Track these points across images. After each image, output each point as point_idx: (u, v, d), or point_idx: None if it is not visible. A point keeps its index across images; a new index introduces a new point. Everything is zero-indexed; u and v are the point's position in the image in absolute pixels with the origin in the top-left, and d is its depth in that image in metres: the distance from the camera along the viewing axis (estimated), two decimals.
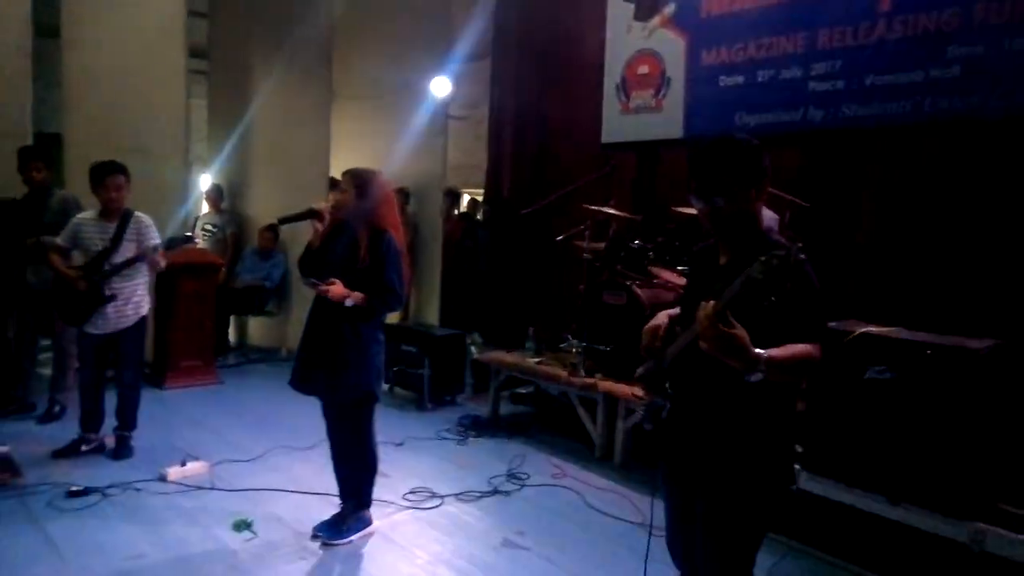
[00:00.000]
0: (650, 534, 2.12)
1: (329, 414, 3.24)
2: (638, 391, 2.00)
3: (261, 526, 3.31)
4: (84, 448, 4.10)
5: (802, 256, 1.52)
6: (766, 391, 1.72)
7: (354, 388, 3.06)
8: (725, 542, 1.87)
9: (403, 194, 6.86)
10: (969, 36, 4.09)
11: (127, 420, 4.17)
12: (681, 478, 1.98)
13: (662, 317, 2.00)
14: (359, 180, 3.08)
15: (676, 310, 2.03)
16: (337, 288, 2.96)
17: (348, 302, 2.97)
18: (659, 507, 2.17)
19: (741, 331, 1.60)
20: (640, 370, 2.00)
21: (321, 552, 3.13)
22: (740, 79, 5.22)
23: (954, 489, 2.87)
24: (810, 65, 4.82)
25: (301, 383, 3.15)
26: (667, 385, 1.90)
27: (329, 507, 3.47)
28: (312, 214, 3.14)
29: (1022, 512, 2.89)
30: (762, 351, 1.61)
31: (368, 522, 3.30)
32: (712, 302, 1.61)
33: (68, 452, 4.05)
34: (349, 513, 3.28)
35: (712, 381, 1.79)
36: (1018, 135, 3.83)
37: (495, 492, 3.85)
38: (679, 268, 4.58)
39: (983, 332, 3.22)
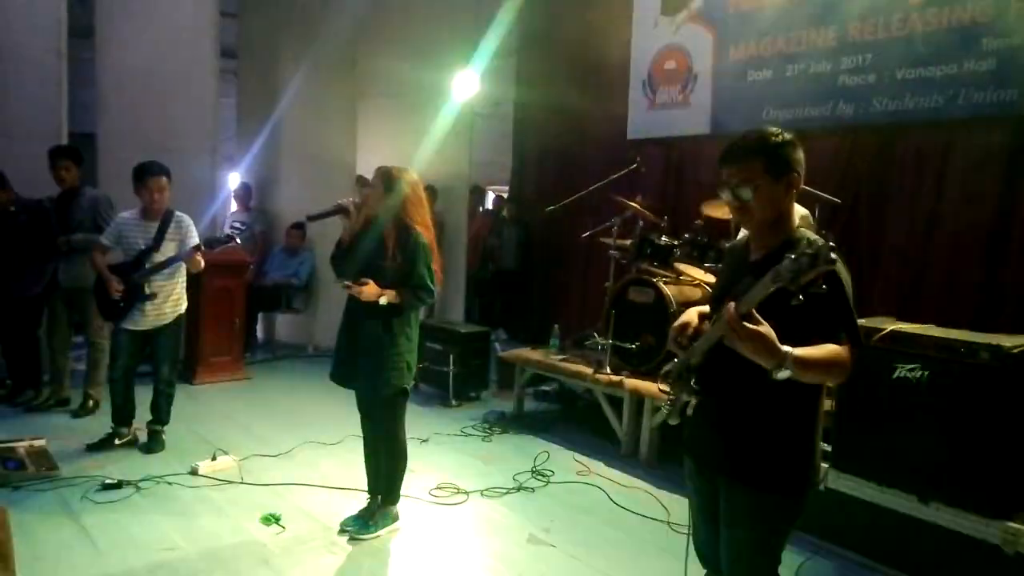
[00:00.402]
0: (689, 535, 2.10)
1: (363, 408, 3.28)
2: (663, 387, 1.99)
3: (289, 520, 3.35)
4: (117, 442, 4.19)
5: (833, 256, 1.48)
6: (791, 389, 1.70)
7: (386, 384, 3.11)
8: (748, 540, 1.86)
9: (431, 192, 6.89)
10: (1005, 27, 4.00)
11: (161, 415, 4.26)
12: (705, 474, 1.97)
13: (692, 314, 1.99)
14: (387, 177, 3.13)
15: (706, 308, 2.02)
16: (370, 288, 3.00)
17: (382, 300, 3.02)
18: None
19: (767, 328, 1.58)
20: (667, 366, 1.99)
21: (349, 546, 3.16)
22: (769, 73, 5.16)
23: (986, 489, 2.82)
24: (840, 59, 4.75)
25: (340, 377, 3.24)
26: (693, 381, 1.89)
27: (357, 502, 3.52)
28: (340, 210, 3.18)
29: None
30: (789, 348, 1.59)
31: (395, 517, 3.34)
32: (738, 299, 1.60)
33: (102, 446, 4.14)
34: (377, 508, 3.32)
35: (737, 378, 1.78)
36: None
37: (520, 488, 3.87)
38: (706, 265, 4.54)
39: (1017, 330, 3.16)
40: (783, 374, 1.59)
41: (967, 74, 4.15)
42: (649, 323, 4.49)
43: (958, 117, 4.18)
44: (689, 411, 1.92)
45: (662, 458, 4.30)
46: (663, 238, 4.74)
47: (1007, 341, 2.88)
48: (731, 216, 4.33)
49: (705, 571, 2.09)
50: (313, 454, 4.26)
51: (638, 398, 4.40)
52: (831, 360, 1.66)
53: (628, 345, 4.56)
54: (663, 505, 3.69)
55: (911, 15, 4.40)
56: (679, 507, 3.64)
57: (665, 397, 1.99)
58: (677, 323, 1.98)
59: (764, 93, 5.18)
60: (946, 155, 4.27)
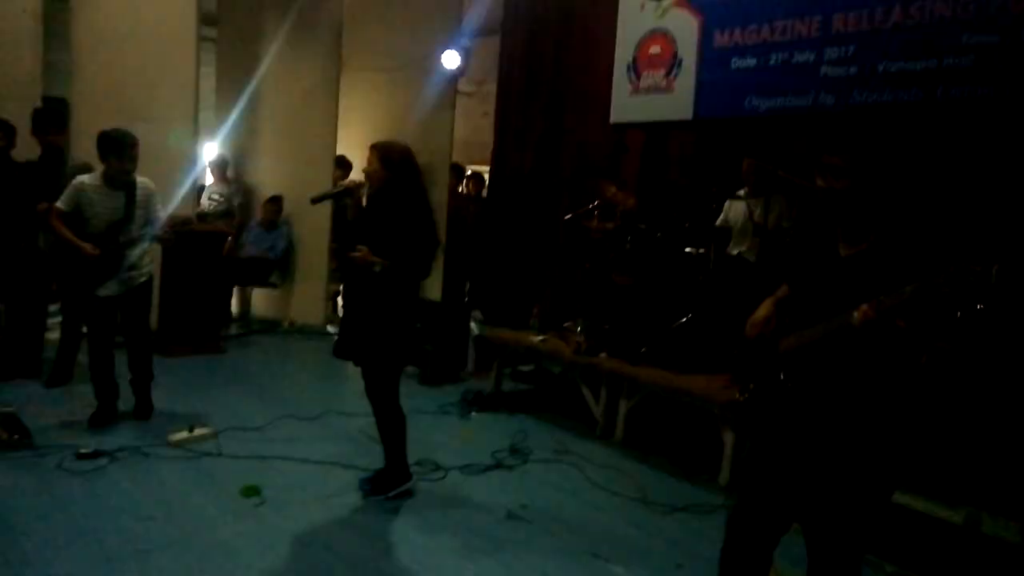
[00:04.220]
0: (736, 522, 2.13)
1: (364, 376, 3.38)
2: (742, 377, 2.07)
3: (269, 492, 3.35)
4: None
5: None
6: (893, 390, 1.79)
7: (369, 353, 3.24)
8: (843, 533, 1.90)
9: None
10: (984, 24, 4.06)
11: (148, 372, 4.23)
12: (788, 464, 1.96)
13: (768, 307, 2.04)
14: (386, 153, 3.20)
15: (778, 296, 2.06)
16: (362, 253, 3.11)
17: (376, 268, 3.12)
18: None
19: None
20: (741, 357, 2.06)
21: (330, 518, 3.18)
22: (752, 62, 5.18)
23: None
24: (823, 50, 4.79)
25: (337, 350, 3.36)
26: (780, 374, 1.94)
27: (336, 476, 3.56)
28: (346, 193, 3.29)
29: None
30: None
31: (406, 479, 3.44)
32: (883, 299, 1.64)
33: (106, 422, 4.05)
34: (389, 471, 3.42)
35: (843, 376, 1.83)
36: None
37: (499, 466, 3.91)
38: (688, 249, 4.60)
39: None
40: None
41: (947, 69, 4.21)
42: (629, 305, 4.54)
43: (936, 110, 4.25)
44: (768, 401, 1.99)
45: (637, 438, 4.37)
46: (644, 223, 4.78)
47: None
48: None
49: (739, 555, 2.07)
50: (291, 428, 4.25)
51: (615, 378, 4.45)
52: None
53: (606, 326, 4.60)
54: (638, 483, 3.76)
55: (895, 8, 4.43)
56: (654, 485, 3.73)
57: (745, 388, 2.05)
58: (758, 317, 2.03)
59: (747, 81, 5.19)
60: (924, 148, 4.34)
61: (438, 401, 4.99)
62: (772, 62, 5.07)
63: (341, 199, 3.31)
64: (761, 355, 1.99)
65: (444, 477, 3.72)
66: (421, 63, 6.79)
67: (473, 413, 4.81)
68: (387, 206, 3.18)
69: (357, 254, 3.11)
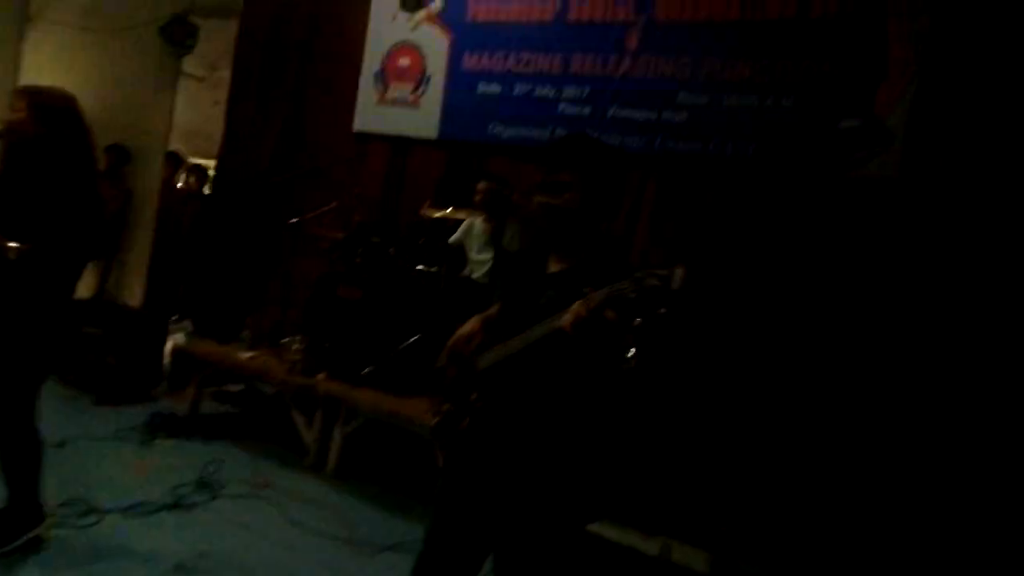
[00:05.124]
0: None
1: None
2: (437, 400, 1.88)
3: None
4: None
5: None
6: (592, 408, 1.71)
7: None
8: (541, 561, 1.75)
9: (121, 153, 5.91)
10: (696, 87, 4.48)
11: None
12: (479, 493, 1.80)
13: (475, 323, 1.85)
14: (41, 101, 2.54)
15: (487, 315, 1.88)
16: None
17: (9, 255, 2.38)
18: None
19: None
20: (441, 377, 1.87)
21: None
22: (497, 89, 5.21)
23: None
24: (562, 87, 4.96)
25: None
26: (473, 395, 1.76)
27: None
28: None
29: None
30: None
31: (37, 523, 2.71)
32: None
33: None
34: (13, 513, 2.66)
35: (537, 394, 1.71)
36: (736, 180, 4.23)
37: (177, 505, 3.29)
38: (420, 267, 4.41)
39: None
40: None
41: (665, 122, 4.56)
42: (355, 322, 4.20)
43: (654, 160, 4.57)
44: (465, 425, 1.79)
45: (352, 468, 4.01)
46: (377, 236, 4.51)
47: None
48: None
49: None
50: None
51: (333, 402, 4.05)
52: None
53: (327, 344, 4.21)
54: (347, 522, 3.40)
55: (624, 59, 4.73)
56: (363, 522, 3.40)
57: (439, 410, 1.86)
58: (463, 333, 1.85)
59: (491, 107, 5.21)
60: (640, 193, 4.63)
61: (116, 425, 4.16)
62: (516, 92, 5.14)
63: None
64: (459, 374, 1.82)
65: (99, 521, 3.01)
66: (136, 31, 5.88)
67: (159, 440, 4.08)
68: (34, 169, 2.48)
69: None
